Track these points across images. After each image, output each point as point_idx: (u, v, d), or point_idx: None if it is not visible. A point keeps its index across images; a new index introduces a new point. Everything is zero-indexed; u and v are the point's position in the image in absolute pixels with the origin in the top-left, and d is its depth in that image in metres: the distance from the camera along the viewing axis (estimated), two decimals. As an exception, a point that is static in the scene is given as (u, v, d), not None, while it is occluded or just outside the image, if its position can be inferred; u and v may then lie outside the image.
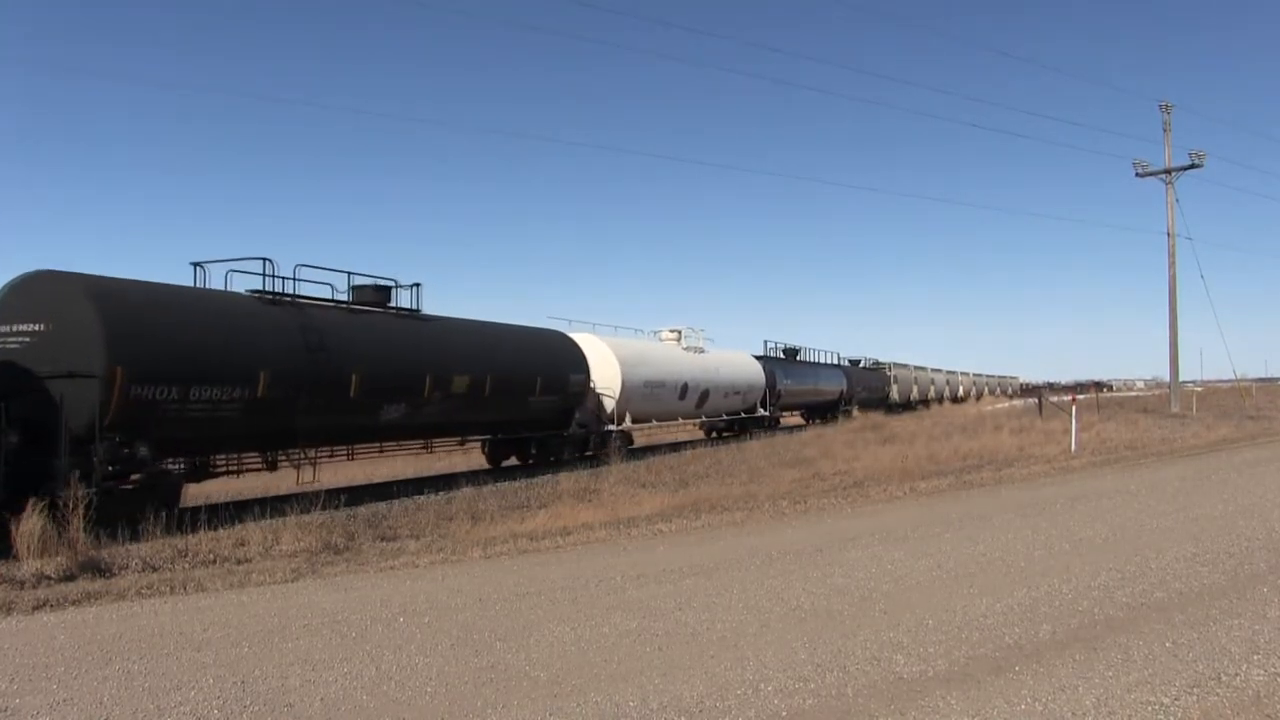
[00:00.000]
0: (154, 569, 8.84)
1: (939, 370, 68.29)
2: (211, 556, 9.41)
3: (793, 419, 41.66)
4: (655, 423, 26.95)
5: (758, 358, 34.25)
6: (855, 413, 44.16)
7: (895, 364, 56.43)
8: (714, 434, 31.22)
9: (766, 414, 33.49)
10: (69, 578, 8.26)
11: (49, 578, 8.20)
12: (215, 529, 10.95)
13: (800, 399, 39.23)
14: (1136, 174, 35.77)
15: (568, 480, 16.44)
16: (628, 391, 23.47)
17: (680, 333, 29.09)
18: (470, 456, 22.52)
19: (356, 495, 14.95)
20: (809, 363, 41.24)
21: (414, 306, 17.34)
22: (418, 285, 17.51)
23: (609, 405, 23.15)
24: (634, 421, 24.52)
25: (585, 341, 23.04)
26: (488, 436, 20.53)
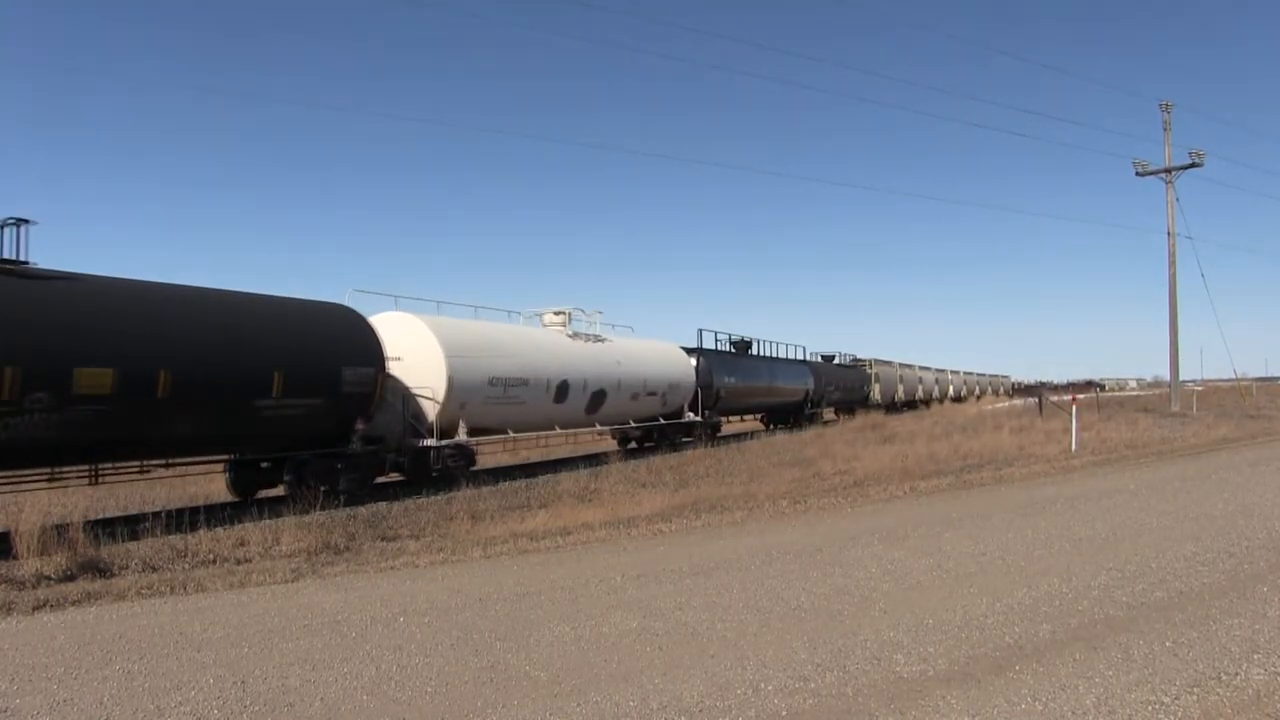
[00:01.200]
0: (154, 569, 8.84)
1: (927, 368, 63.56)
2: (211, 556, 9.41)
3: (746, 425, 36.21)
4: (512, 434, 19.33)
5: (689, 350, 28.30)
6: (827, 416, 39.57)
7: (877, 360, 50.81)
8: (630, 445, 26.22)
9: (699, 419, 27.42)
10: (69, 578, 8.26)
11: (49, 578, 8.20)
12: (215, 529, 10.97)
13: (750, 400, 32.96)
14: (1136, 173, 35.80)
15: (568, 480, 16.46)
16: (460, 391, 16.97)
17: (568, 315, 22.70)
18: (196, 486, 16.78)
19: (356, 495, 14.94)
20: (762, 357, 34.90)
21: (15, 258, 11.13)
22: (22, 222, 11.24)
23: (430, 411, 16.70)
24: (475, 433, 17.82)
25: (391, 322, 16.96)
26: (228, 457, 14.69)
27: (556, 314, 22.77)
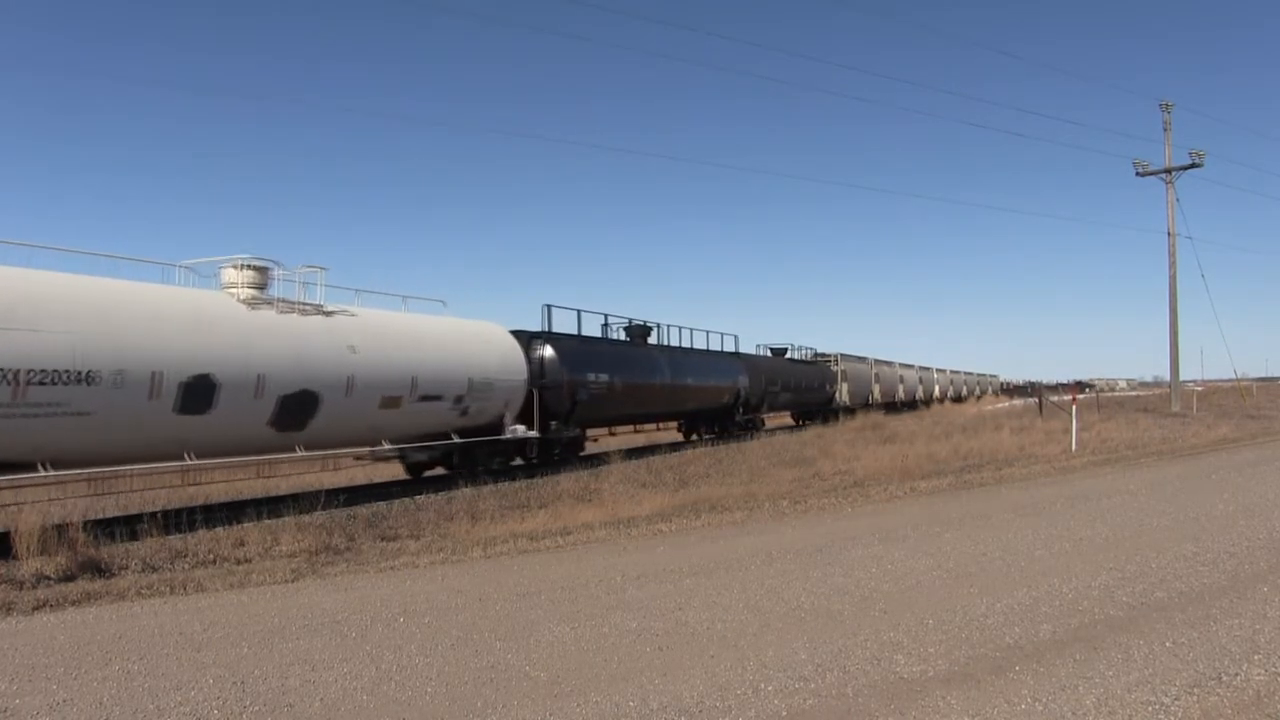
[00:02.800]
0: (154, 569, 8.84)
1: (909, 366, 57.55)
2: (211, 557, 9.41)
3: (644, 436, 27.70)
4: (53, 471, 10.78)
5: (531, 336, 20.07)
6: (773, 422, 35.11)
7: (845, 356, 43.18)
8: (430, 472, 18.12)
9: (534, 434, 18.74)
10: (69, 578, 8.26)
11: (49, 578, 8.20)
12: (214, 529, 10.96)
13: (638, 406, 23.98)
14: (1137, 173, 35.82)
15: (568, 480, 16.45)
16: None
17: (263, 272, 14.00)
18: None
19: (356, 495, 14.95)
20: (663, 347, 26.48)
21: None
22: None
23: None
24: None
25: None
26: None
27: (241, 268, 13.90)
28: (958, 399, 68.72)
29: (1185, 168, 34.91)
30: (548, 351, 20.07)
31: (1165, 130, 35.10)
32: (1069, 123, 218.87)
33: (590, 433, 23.21)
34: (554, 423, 19.89)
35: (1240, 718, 4.35)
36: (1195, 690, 4.68)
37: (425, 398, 16.02)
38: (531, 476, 17.15)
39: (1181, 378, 38.15)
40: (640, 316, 26.17)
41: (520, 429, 18.59)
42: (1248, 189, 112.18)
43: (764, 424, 33.75)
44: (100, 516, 12.68)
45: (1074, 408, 22.70)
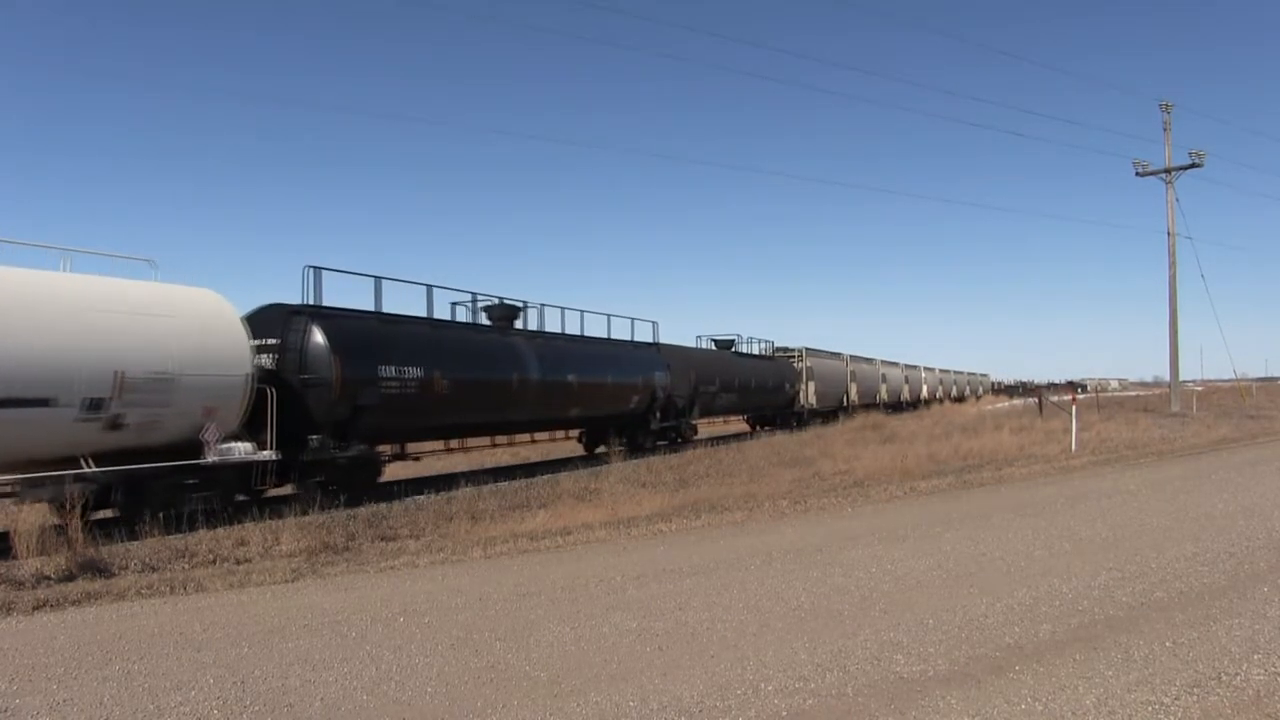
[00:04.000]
0: (154, 569, 8.84)
1: (894, 364, 52.85)
2: (211, 557, 9.41)
3: (519, 447, 21.87)
4: None
5: (289, 312, 14.19)
6: (713, 427, 30.10)
7: (812, 350, 37.80)
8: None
9: (267, 456, 12.69)
10: (68, 578, 8.26)
11: (49, 578, 8.20)
12: (215, 529, 10.96)
13: (487, 412, 17.62)
14: (1136, 173, 35.78)
15: (568, 480, 16.45)
16: None
17: None
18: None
19: (356, 495, 14.93)
20: (539, 333, 20.35)
21: None
22: None
23: None
24: None
25: None
26: None
27: None
28: (951, 399, 67.64)
29: (1185, 168, 34.89)
30: (314, 334, 13.85)
31: (1165, 130, 35.07)
32: (1069, 123, 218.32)
33: (416, 448, 17.20)
34: (315, 438, 13.73)
35: (1240, 718, 4.35)
36: (1195, 690, 4.69)
37: (10, 403, 9.88)
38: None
39: (1181, 378, 38.20)
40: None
41: (243, 448, 12.51)
42: (1248, 189, 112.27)
43: (695, 433, 26.83)
44: (100, 516, 12.69)
45: (1074, 408, 22.72)
